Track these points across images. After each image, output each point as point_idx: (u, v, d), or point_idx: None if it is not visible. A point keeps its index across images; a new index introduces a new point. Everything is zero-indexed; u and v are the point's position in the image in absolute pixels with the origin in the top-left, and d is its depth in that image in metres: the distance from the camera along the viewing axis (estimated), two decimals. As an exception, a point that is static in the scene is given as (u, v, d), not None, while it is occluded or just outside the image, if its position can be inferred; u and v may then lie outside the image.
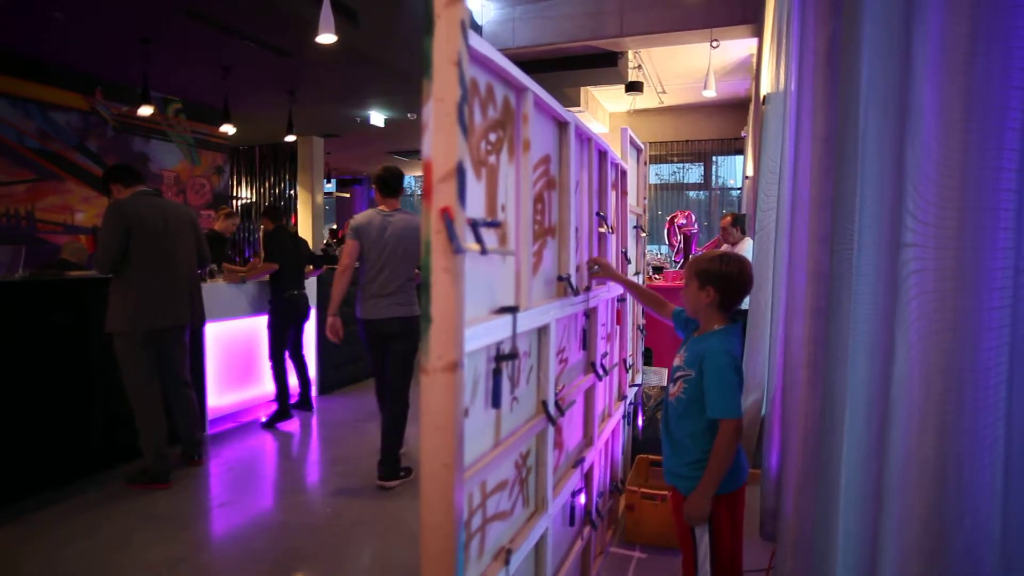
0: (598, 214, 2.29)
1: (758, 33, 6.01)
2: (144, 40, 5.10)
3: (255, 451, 4.10)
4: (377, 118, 8.00)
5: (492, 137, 1.35)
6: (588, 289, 2.07)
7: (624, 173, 2.86)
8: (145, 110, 5.64)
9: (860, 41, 1.12)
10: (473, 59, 1.19)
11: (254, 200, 10.15)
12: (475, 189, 1.25)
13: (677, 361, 1.91)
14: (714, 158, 12.74)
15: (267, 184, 10.02)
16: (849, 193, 1.20)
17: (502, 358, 1.35)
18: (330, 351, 5.39)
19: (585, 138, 2.10)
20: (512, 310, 1.35)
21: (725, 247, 6.18)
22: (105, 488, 3.35)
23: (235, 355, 4.56)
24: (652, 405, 3.49)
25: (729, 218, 5.55)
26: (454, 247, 1.05)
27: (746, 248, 5.66)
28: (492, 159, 1.35)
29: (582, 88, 10.12)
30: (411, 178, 16.38)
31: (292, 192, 9.85)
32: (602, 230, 2.34)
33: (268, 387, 4.91)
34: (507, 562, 1.41)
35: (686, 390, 1.79)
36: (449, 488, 1.10)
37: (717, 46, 6.44)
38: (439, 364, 1.09)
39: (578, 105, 10.19)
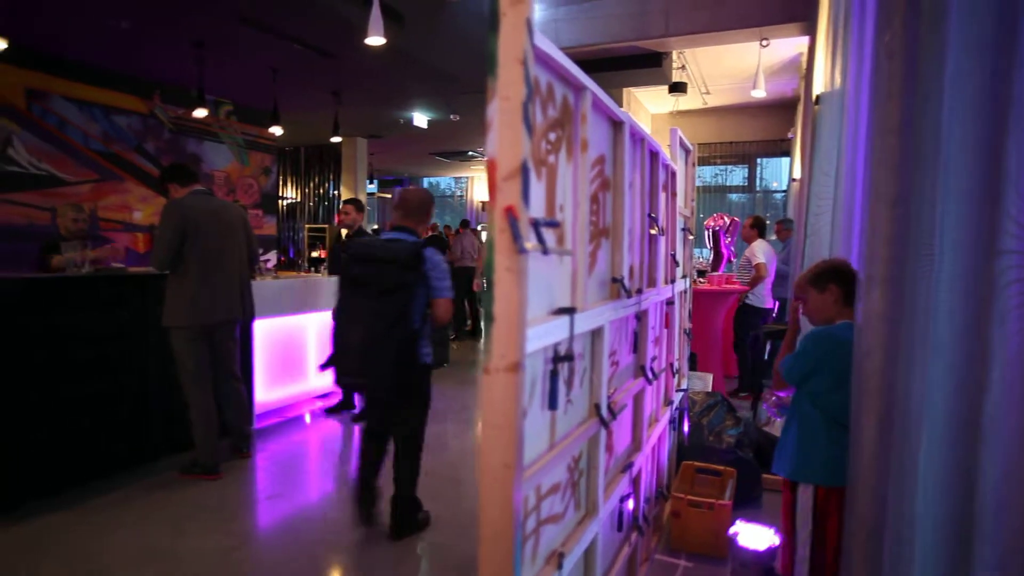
0: (650, 215, 2.26)
1: (810, 31, 5.84)
2: (198, 44, 5.27)
3: (300, 446, 4.18)
4: (420, 119, 8.08)
5: (552, 136, 1.34)
6: (640, 291, 2.04)
7: (674, 174, 2.82)
8: (199, 112, 5.83)
9: (945, 36, 1.06)
10: (536, 57, 1.18)
11: (299, 200, 10.38)
12: (536, 188, 1.25)
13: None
14: (759, 160, 12.47)
15: (312, 184, 10.24)
16: (927, 192, 1.14)
17: (559, 359, 1.34)
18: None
19: (639, 138, 2.07)
20: (570, 311, 1.34)
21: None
22: (159, 477, 3.47)
23: (282, 351, 4.66)
24: (698, 411, 3.42)
25: (750, 220, 5.88)
26: (518, 246, 1.04)
27: (758, 248, 5.66)
28: (551, 158, 1.34)
29: (624, 89, 10.02)
30: (451, 179, 16.54)
31: (336, 192, 10.04)
32: (653, 232, 2.30)
33: (313, 383, 5.01)
34: (560, 566, 1.40)
35: None
36: (508, 488, 1.09)
37: (767, 45, 6.30)
38: (501, 364, 1.08)
39: (620, 106, 10.05)
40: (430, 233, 10.86)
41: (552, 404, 1.32)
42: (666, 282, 2.61)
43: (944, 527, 0.96)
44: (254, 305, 3.66)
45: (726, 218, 6.99)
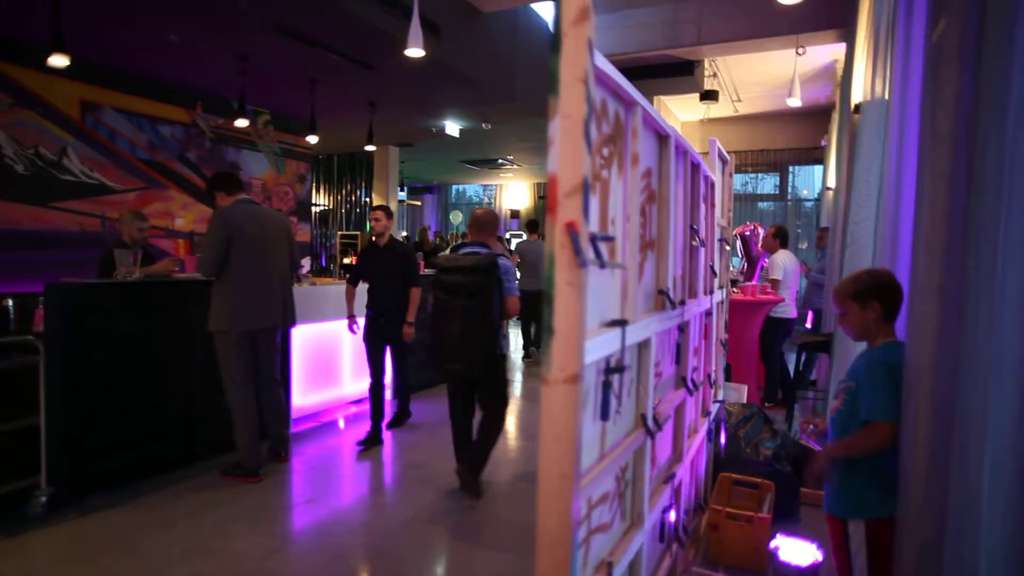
0: (691, 227, 2.26)
1: (847, 38, 5.77)
2: (241, 57, 5.42)
3: (335, 451, 4.25)
4: (452, 128, 8.17)
5: (605, 151, 1.37)
6: (683, 303, 2.04)
7: (713, 185, 2.82)
8: (241, 122, 6.00)
9: (1014, 34, 1.05)
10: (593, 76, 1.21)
11: (331, 207, 10.57)
12: (592, 203, 1.27)
13: (839, 378, 1.94)
14: (790, 168, 12.31)
15: (344, 192, 10.42)
16: (988, 202, 1.13)
17: (611, 371, 1.36)
18: (405, 354, 5.53)
19: (682, 151, 2.08)
20: (622, 323, 1.36)
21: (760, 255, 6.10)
22: (204, 477, 3.56)
23: (317, 357, 4.75)
24: (734, 422, 3.39)
25: (773, 229, 5.91)
26: (580, 261, 1.07)
27: (778, 259, 5.63)
28: (605, 173, 1.37)
29: (655, 97, 10.02)
30: (479, 187, 16.65)
31: (367, 199, 10.19)
32: (694, 243, 2.31)
33: (348, 389, 5.09)
34: (610, 574, 1.41)
35: (845, 402, 1.81)
36: (567, 498, 1.12)
37: (803, 53, 6.23)
38: (560, 376, 1.10)
39: (650, 114, 10.06)
40: (459, 240, 10.97)
41: (604, 415, 1.34)
42: (705, 293, 2.61)
43: (1012, 553, 0.95)
44: (295, 311, 3.75)
45: (760, 229, 6.91)
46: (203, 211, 6.83)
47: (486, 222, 3.39)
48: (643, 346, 1.66)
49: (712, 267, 2.82)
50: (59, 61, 4.05)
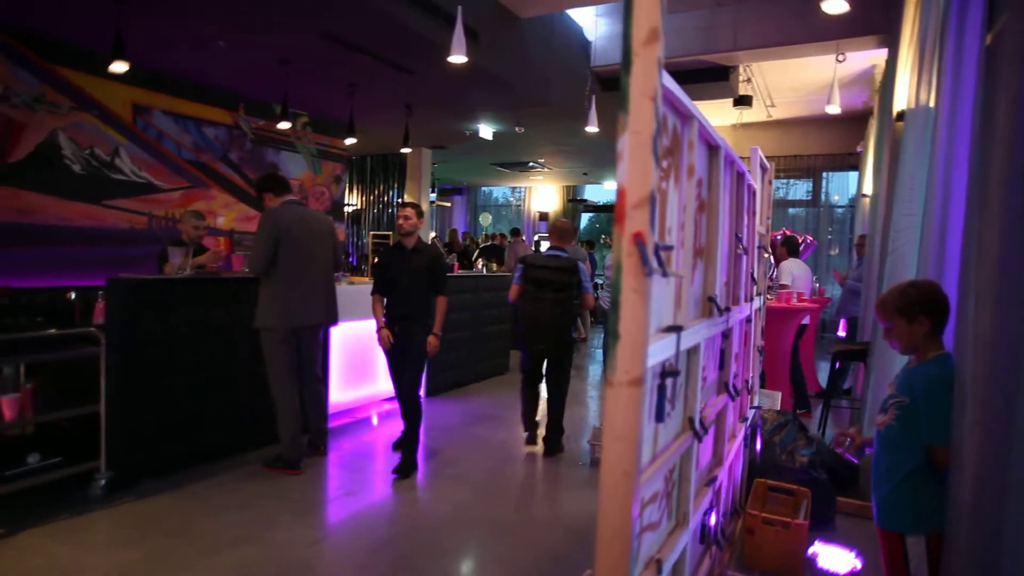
0: (736, 235, 2.30)
1: (888, 44, 5.71)
2: (284, 61, 5.58)
3: (371, 446, 4.35)
4: (486, 131, 8.27)
5: (664, 164, 1.42)
6: (728, 310, 2.08)
7: (754, 193, 2.84)
8: (283, 125, 6.17)
9: None
10: (657, 92, 1.27)
11: (362, 208, 10.76)
12: (652, 214, 1.33)
13: (889, 391, 1.91)
14: (824, 174, 12.15)
15: (376, 192, 10.60)
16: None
17: (665, 375, 1.41)
18: (439, 354, 5.63)
19: (730, 160, 2.12)
20: (677, 329, 1.41)
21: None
22: (247, 468, 3.69)
23: (353, 354, 4.86)
24: (769, 428, 3.40)
25: (780, 238, 5.96)
26: (647, 270, 1.12)
27: (786, 268, 5.67)
28: (663, 184, 1.42)
29: (687, 102, 9.97)
30: (507, 189, 16.75)
31: (399, 200, 10.35)
32: (738, 251, 2.34)
33: (381, 386, 5.20)
34: (660, 571, 1.46)
35: (898, 418, 1.78)
36: (629, 496, 1.17)
37: (843, 60, 6.17)
38: (625, 379, 1.16)
39: (682, 119, 10.04)
40: (488, 243, 11.06)
41: (659, 417, 1.39)
42: (746, 300, 2.64)
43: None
44: (337, 309, 3.85)
45: (800, 237, 6.86)
46: (243, 210, 7.03)
47: (566, 230, 4.20)
48: (692, 351, 1.71)
49: (752, 274, 2.84)
50: (119, 67, 4.24)
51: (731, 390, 2.24)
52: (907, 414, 1.76)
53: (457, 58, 4.07)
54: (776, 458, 3.18)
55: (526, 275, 4.02)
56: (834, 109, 5.93)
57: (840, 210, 12.35)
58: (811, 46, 6.21)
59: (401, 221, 3.82)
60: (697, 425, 1.71)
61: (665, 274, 1.22)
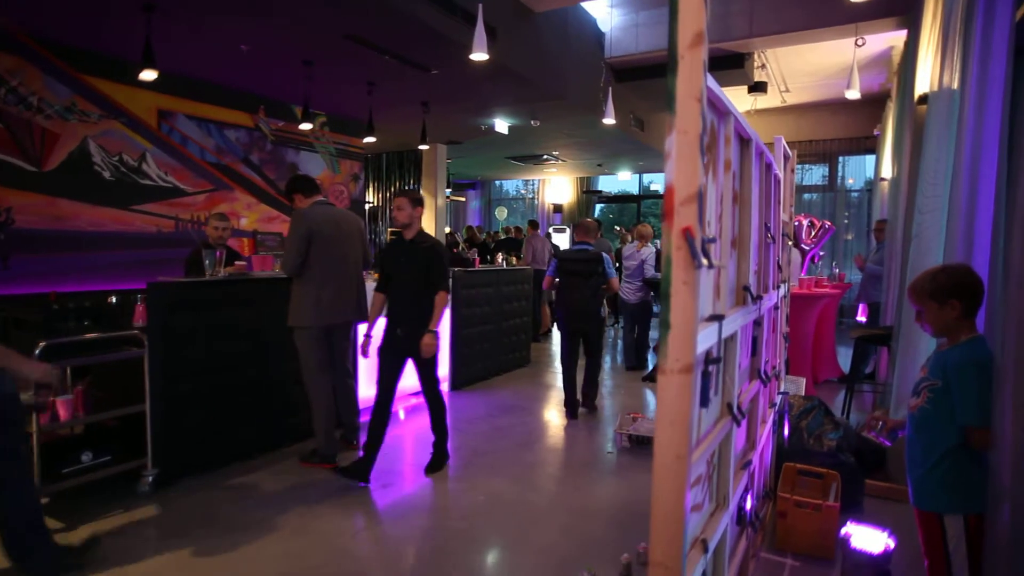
0: (765, 225, 2.34)
1: (908, 25, 5.67)
2: (307, 63, 5.67)
3: (400, 440, 4.45)
4: (501, 125, 8.31)
5: (704, 160, 1.47)
6: (760, 298, 2.13)
7: (779, 182, 2.88)
8: (305, 126, 6.26)
9: None
10: (698, 92, 1.32)
11: (379, 205, 10.87)
12: (695, 208, 1.38)
13: (921, 374, 1.95)
14: (840, 158, 12.06)
15: (392, 189, 10.69)
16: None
17: (709, 362, 1.47)
18: (463, 348, 5.72)
19: (759, 152, 2.16)
20: (719, 318, 1.47)
21: None
22: (284, 463, 3.80)
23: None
24: (796, 414, 3.45)
25: None
26: (696, 263, 1.18)
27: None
28: (703, 179, 1.48)
29: (701, 90, 9.93)
30: (520, 182, 16.77)
31: (415, 197, 10.49)
32: (767, 240, 2.39)
33: (407, 381, 5.28)
34: (705, 550, 1.53)
35: (931, 400, 1.83)
36: (682, 478, 1.24)
37: (863, 44, 6.13)
38: (676, 366, 1.22)
39: (695, 107, 10.01)
40: (503, 236, 11.12)
41: (704, 402, 1.45)
42: (773, 288, 2.69)
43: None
44: (368, 307, 3.94)
45: (806, 221, 6.85)
46: (265, 211, 7.15)
47: (590, 228, 5.02)
48: (730, 339, 1.76)
49: (778, 263, 2.88)
50: (149, 75, 4.35)
51: (763, 376, 2.29)
52: (940, 396, 1.81)
53: (479, 56, 4.12)
54: (804, 442, 3.23)
55: (560, 267, 4.83)
56: (854, 94, 5.91)
57: (855, 194, 12.27)
58: (830, 30, 6.18)
59: (395, 213, 3.60)
60: (735, 410, 1.77)
61: (711, 266, 1.28)
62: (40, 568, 2.35)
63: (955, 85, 3.14)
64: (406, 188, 3.20)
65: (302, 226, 3.56)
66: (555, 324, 7.06)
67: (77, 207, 5.34)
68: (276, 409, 3.96)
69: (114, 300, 3.36)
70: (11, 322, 2.98)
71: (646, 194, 15.01)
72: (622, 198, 15.20)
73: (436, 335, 3.50)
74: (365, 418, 4.73)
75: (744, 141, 1.91)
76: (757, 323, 2.21)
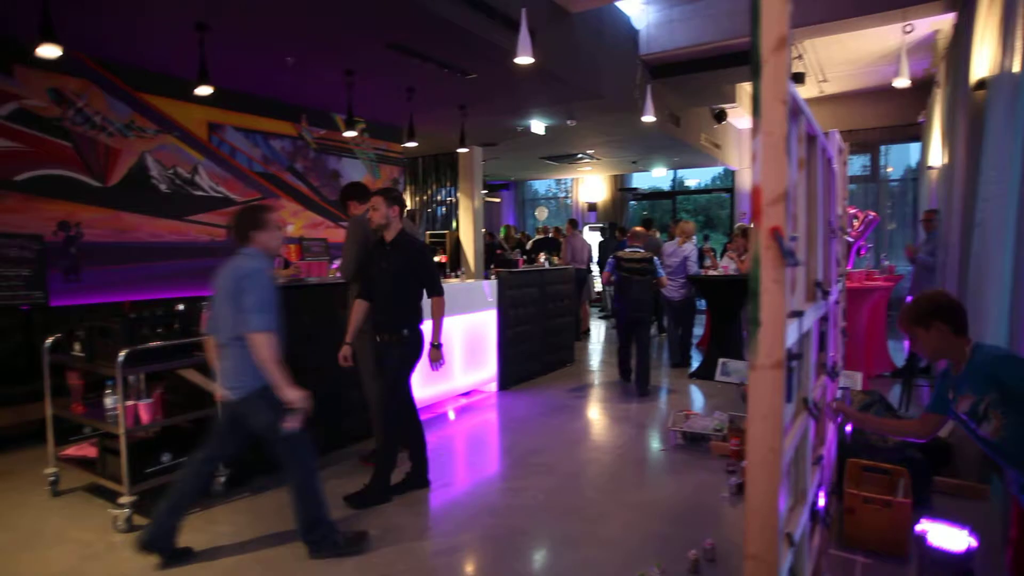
0: (827, 220, 2.33)
1: (957, 8, 5.51)
2: (348, 72, 5.80)
3: (453, 439, 4.53)
4: (538, 126, 8.35)
5: (791, 160, 1.50)
6: (827, 293, 2.13)
7: (835, 176, 2.86)
8: (349, 133, 6.41)
9: None
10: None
11: (416, 208, 11.01)
12: (777, 207, 1.40)
13: (964, 407, 1.94)
14: (881, 147, 11.76)
15: (429, 192, 10.83)
16: None
17: (791, 357, 1.49)
18: (509, 348, 5.78)
19: (822, 147, 2.16)
20: (799, 314, 1.49)
21: (732, 265, 6.42)
22: (346, 463, 3.91)
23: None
24: (857, 408, 3.41)
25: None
26: (787, 261, 1.21)
27: None
28: (792, 179, 1.50)
29: (737, 86, 9.83)
30: (551, 181, 16.78)
31: (451, 199, 10.57)
32: (830, 235, 2.38)
33: (458, 382, 5.38)
34: (792, 544, 1.55)
35: (1001, 412, 1.80)
36: (776, 471, 1.26)
37: (911, 30, 5.98)
38: (767, 362, 1.25)
39: (732, 101, 9.92)
40: (541, 236, 11.16)
41: (788, 397, 1.47)
42: (835, 282, 2.67)
43: None
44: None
45: (861, 212, 6.72)
46: (310, 217, 7.33)
47: (640, 235, 6.15)
48: (805, 335, 1.77)
49: (837, 257, 2.86)
50: (204, 90, 4.53)
51: (830, 371, 2.29)
52: (1005, 401, 1.78)
53: (523, 60, 4.17)
54: (867, 438, 3.19)
55: (618, 266, 5.74)
56: (903, 82, 5.77)
57: (894, 183, 11.96)
58: (876, 16, 6.03)
59: (371, 214, 3.33)
60: (811, 405, 1.78)
61: (797, 264, 1.31)
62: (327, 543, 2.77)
63: (1016, 68, 3.06)
64: (382, 187, 3.22)
65: (358, 232, 3.66)
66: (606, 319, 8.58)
67: (138, 219, 5.57)
68: (334, 411, 4.08)
69: (181, 307, 3.50)
70: (97, 331, 3.13)
71: (680, 190, 14.87)
72: (656, 195, 15.08)
73: (440, 348, 3.35)
74: (423, 416, 4.85)
75: (811, 138, 1.92)
76: (823, 318, 2.21)
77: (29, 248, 4.72)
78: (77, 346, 3.28)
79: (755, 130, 1.27)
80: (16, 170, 4.81)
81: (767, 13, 1.25)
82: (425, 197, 10.99)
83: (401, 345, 3.29)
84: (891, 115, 11.14)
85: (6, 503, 3.35)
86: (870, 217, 7.28)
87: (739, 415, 4.17)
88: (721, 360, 4.89)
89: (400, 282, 3.29)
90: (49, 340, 3.38)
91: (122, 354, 2.92)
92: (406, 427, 3.52)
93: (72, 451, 3.47)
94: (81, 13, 4.27)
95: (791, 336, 1.43)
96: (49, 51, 3.72)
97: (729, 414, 4.20)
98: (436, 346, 3.34)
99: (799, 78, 8.70)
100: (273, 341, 2.57)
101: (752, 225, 1.31)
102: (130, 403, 2.99)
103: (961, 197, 4.32)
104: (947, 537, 2.29)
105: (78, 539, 2.92)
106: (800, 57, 8.73)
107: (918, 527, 2.43)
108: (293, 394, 2.59)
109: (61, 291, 5.01)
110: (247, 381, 2.61)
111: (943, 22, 6.58)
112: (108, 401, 3.06)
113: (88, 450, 3.41)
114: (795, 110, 1.62)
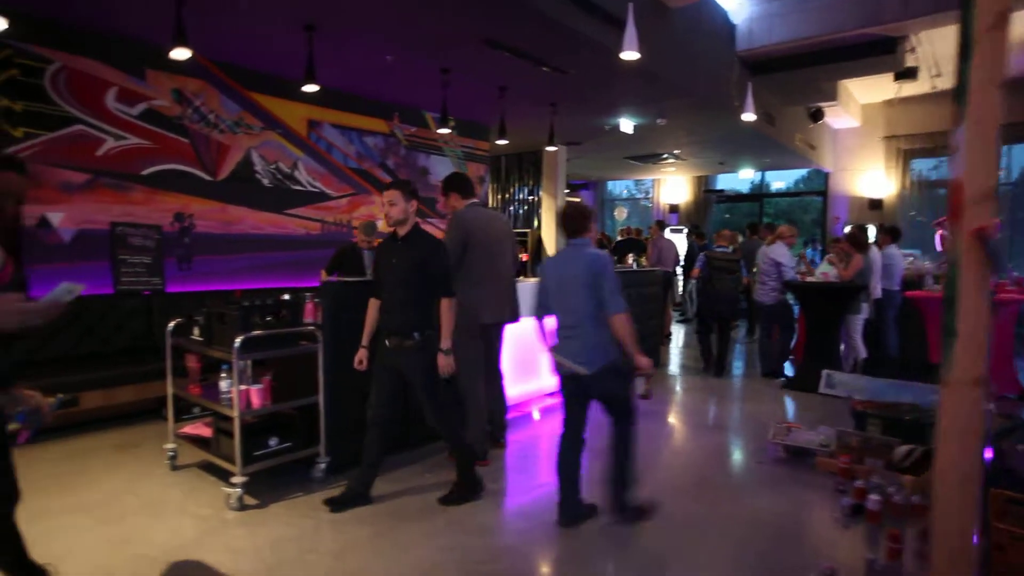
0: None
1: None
2: (443, 70, 5.88)
3: (539, 439, 4.48)
4: (627, 125, 8.19)
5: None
6: (990, 304, 1.93)
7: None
8: (443, 131, 6.51)
9: None
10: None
11: (498, 206, 11.09)
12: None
13: None
14: (1003, 147, 10.79)
15: (511, 191, 10.86)
16: None
17: (975, 374, 1.34)
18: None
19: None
20: (987, 326, 1.33)
21: (832, 271, 6.38)
22: (436, 457, 3.92)
23: (518, 351, 5.02)
24: (995, 432, 3.10)
25: (855, 229, 6.45)
26: (998, 266, 1.07)
27: (865, 259, 5.75)
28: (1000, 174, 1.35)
29: (838, 83, 9.29)
30: (630, 182, 16.48)
31: (534, 198, 10.56)
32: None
33: (543, 382, 5.33)
34: None
35: None
36: (971, 499, 1.13)
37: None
38: (965, 377, 1.12)
39: (832, 99, 9.38)
40: (625, 237, 10.96)
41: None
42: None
43: None
44: (519, 308, 4.00)
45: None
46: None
47: (727, 236, 6.64)
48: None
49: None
50: (311, 88, 4.73)
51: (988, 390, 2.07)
52: None
53: (629, 55, 4.07)
54: (1011, 465, 2.89)
55: (708, 264, 6.37)
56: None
57: (1005, 187, 10.95)
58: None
59: (388, 209, 3.10)
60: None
61: (1005, 270, 1.16)
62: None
63: None
64: (398, 179, 3.03)
65: (458, 228, 3.68)
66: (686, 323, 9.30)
67: (243, 212, 5.87)
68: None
69: (287, 297, 3.62)
70: (216, 317, 3.29)
71: (768, 193, 14.23)
72: (744, 197, 14.50)
73: (450, 353, 3.14)
74: (512, 415, 4.84)
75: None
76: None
77: (151, 237, 5.07)
78: (196, 330, 3.46)
79: (958, 119, 1.14)
80: (143, 165, 5.20)
81: (981, -14, 1.12)
82: (507, 195, 11.03)
83: (420, 349, 3.09)
84: (1015, 111, 10.20)
85: (135, 472, 3.62)
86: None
87: (847, 431, 3.90)
88: (825, 372, 4.61)
89: (410, 280, 3.06)
90: (171, 324, 3.58)
91: (238, 340, 3.05)
92: (488, 388, 3.84)
93: (188, 429, 3.67)
94: (203, 17, 4.53)
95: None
96: (181, 53, 3.98)
97: (836, 429, 3.94)
98: (445, 352, 3.11)
99: (911, 73, 8.11)
100: (631, 319, 2.91)
101: (941, 228, 1.18)
102: (243, 387, 3.12)
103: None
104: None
105: (196, 513, 3.07)
106: (913, 50, 8.12)
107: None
108: (645, 361, 2.91)
109: (175, 278, 5.35)
110: (599, 356, 2.91)
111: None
112: (223, 384, 3.20)
113: (203, 429, 3.59)
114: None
